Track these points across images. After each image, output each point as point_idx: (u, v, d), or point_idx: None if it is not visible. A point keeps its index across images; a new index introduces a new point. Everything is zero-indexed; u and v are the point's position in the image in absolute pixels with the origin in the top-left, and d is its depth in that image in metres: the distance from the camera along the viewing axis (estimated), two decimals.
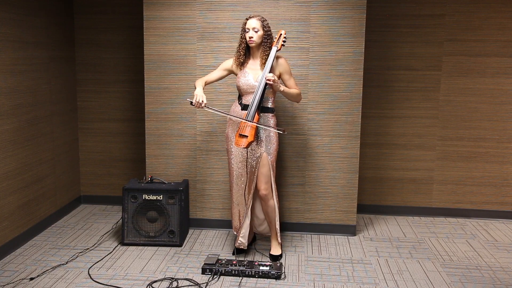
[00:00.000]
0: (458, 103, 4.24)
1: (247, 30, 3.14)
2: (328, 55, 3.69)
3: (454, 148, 4.30)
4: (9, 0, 3.42)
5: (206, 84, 3.26)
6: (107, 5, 4.36)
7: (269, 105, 3.25)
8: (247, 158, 3.26)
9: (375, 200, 4.44)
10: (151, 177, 3.79)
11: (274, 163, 3.31)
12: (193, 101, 3.08)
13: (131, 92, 4.48)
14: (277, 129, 3.18)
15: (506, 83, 4.18)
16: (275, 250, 3.42)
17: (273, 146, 3.27)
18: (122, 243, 3.64)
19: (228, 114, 3.22)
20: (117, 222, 4.08)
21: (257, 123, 3.10)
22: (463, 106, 4.24)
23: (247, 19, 3.16)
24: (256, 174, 3.26)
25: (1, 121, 3.35)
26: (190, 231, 3.96)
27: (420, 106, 4.27)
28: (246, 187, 3.31)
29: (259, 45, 3.19)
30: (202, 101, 3.06)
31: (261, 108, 3.19)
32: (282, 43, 3.15)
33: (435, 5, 4.13)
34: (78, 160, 4.58)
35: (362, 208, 4.40)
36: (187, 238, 3.80)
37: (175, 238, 3.63)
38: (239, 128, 3.13)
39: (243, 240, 3.41)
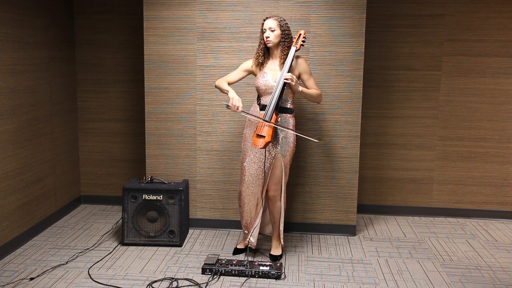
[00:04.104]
0: (458, 103, 4.25)
1: (264, 31, 3.14)
2: (328, 55, 3.69)
3: (454, 148, 4.30)
4: (9, 0, 3.42)
5: (229, 85, 3.24)
6: (107, 5, 4.36)
7: (288, 105, 3.24)
8: (264, 158, 3.24)
9: (375, 200, 4.44)
10: (151, 177, 3.79)
11: (288, 166, 3.30)
12: (230, 104, 3.07)
13: (131, 92, 4.48)
14: (312, 137, 3.13)
15: (506, 83, 4.18)
16: (276, 251, 3.42)
17: (289, 148, 3.25)
18: (122, 243, 3.64)
19: (259, 118, 3.15)
20: (117, 222, 4.08)
21: (274, 124, 3.09)
22: (463, 106, 4.24)
23: (264, 20, 3.16)
24: (269, 175, 3.26)
25: (1, 121, 3.35)
26: (190, 231, 3.96)
27: (420, 106, 4.27)
28: (263, 187, 3.31)
29: (277, 44, 3.18)
30: (239, 106, 3.06)
31: (280, 109, 3.18)
32: (302, 43, 3.13)
33: (435, 5, 4.13)
34: (78, 160, 4.58)
35: (362, 208, 4.40)
36: (187, 238, 3.80)
37: (175, 238, 3.64)
38: (257, 128, 3.12)
39: (252, 239, 3.42)
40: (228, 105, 3.08)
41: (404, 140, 4.33)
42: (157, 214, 3.64)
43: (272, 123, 3.07)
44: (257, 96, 3.32)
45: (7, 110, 3.42)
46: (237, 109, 3.06)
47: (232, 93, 3.12)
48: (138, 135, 4.51)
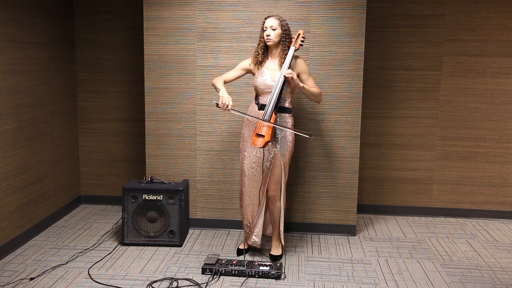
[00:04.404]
0: (458, 103, 4.25)
1: (265, 29, 3.14)
2: (328, 55, 3.69)
3: (454, 148, 4.30)
4: (9, 0, 3.42)
5: (224, 83, 3.24)
6: (107, 5, 4.36)
7: (287, 105, 3.24)
8: (263, 158, 3.24)
9: (375, 200, 4.44)
10: (151, 177, 3.79)
11: (288, 165, 3.30)
12: (219, 103, 3.06)
13: (131, 92, 4.48)
14: (304, 133, 3.12)
15: (506, 83, 4.18)
16: (276, 251, 3.42)
17: (288, 148, 3.25)
18: (122, 243, 3.65)
19: (252, 116, 3.17)
20: (117, 222, 4.08)
21: (273, 123, 3.08)
22: (463, 106, 4.24)
23: (265, 18, 3.16)
24: (268, 175, 3.26)
25: (1, 121, 3.35)
26: (190, 231, 3.96)
27: (420, 106, 4.27)
28: (261, 187, 3.31)
29: (277, 44, 3.18)
30: (229, 104, 3.05)
31: (279, 108, 3.18)
32: (301, 43, 3.14)
33: (435, 5, 4.13)
34: (78, 160, 4.58)
35: (362, 208, 4.40)
36: (187, 238, 3.80)
37: (175, 238, 3.64)
38: (256, 128, 3.12)
39: (256, 239, 3.42)
40: (217, 104, 3.08)
41: (404, 140, 4.33)
42: (157, 214, 3.64)
43: (271, 123, 3.07)
44: (255, 95, 3.32)
45: (7, 110, 3.42)
46: (227, 107, 3.05)
47: (222, 92, 3.10)
48: (138, 135, 4.51)
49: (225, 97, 3.06)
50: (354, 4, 3.61)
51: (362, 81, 3.70)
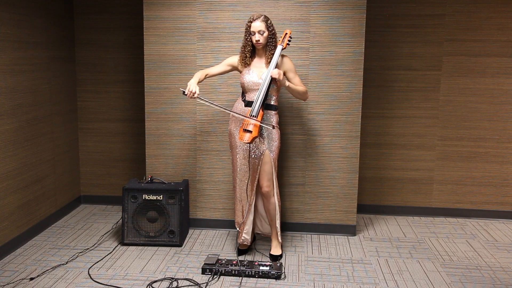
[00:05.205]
0: (458, 103, 4.25)
1: (252, 33, 3.15)
2: (328, 55, 3.69)
3: (454, 148, 4.30)
4: (9, 0, 3.42)
5: (207, 77, 3.27)
6: (107, 5, 4.36)
7: (272, 102, 3.27)
8: (249, 154, 3.26)
9: (375, 200, 4.44)
10: (151, 177, 3.79)
11: (276, 161, 3.32)
12: (186, 91, 3.08)
13: (131, 92, 4.48)
14: (266, 124, 3.15)
15: (506, 83, 4.18)
16: (276, 250, 3.43)
17: (275, 143, 3.28)
18: (122, 243, 3.65)
19: (222, 108, 3.21)
20: (117, 222, 4.08)
21: (260, 122, 3.09)
22: (463, 106, 4.24)
23: (250, 22, 3.15)
24: (258, 171, 3.27)
25: (1, 121, 3.35)
26: (190, 231, 3.96)
27: (420, 106, 4.27)
28: (249, 184, 3.32)
29: (265, 45, 3.20)
30: (195, 92, 3.05)
31: (265, 105, 3.20)
32: (288, 42, 3.17)
33: (435, 5, 4.13)
34: (78, 160, 4.58)
35: (362, 208, 4.40)
36: (187, 238, 3.80)
37: (175, 238, 3.64)
38: (243, 124, 3.14)
39: (246, 236, 3.43)
40: (184, 91, 3.08)
41: (404, 140, 4.33)
42: (157, 214, 3.64)
43: (257, 120, 3.08)
44: (241, 92, 3.33)
45: (7, 110, 3.42)
46: (193, 95, 3.05)
47: (191, 81, 3.12)
48: (138, 135, 4.51)
49: (192, 85, 3.08)
50: (354, 4, 3.61)
51: (362, 81, 3.70)
